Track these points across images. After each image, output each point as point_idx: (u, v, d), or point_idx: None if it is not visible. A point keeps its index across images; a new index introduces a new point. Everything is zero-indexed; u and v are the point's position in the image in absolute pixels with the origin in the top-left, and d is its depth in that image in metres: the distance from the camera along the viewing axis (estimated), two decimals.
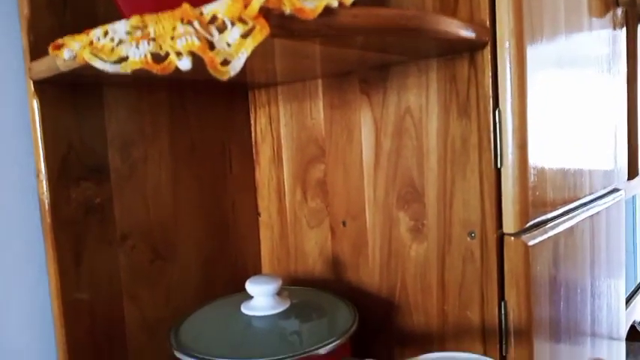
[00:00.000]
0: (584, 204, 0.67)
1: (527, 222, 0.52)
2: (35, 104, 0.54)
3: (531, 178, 0.52)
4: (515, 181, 0.50)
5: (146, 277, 0.64)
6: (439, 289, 0.56)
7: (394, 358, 0.61)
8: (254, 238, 0.77)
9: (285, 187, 0.71)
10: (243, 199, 0.75)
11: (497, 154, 0.51)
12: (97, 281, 0.60)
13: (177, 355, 0.49)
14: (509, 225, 0.51)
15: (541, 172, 0.54)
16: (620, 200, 0.79)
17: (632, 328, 1.20)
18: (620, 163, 0.78)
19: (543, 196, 0.54)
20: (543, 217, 0.55)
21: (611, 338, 0.78)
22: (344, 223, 0.65)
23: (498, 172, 0.51)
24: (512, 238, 0.51)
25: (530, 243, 0.52)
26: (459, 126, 0.53)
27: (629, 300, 1.02)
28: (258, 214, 0.76)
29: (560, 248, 0.58)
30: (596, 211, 0.69)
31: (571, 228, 0.61)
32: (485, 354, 0.53)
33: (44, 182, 0.55)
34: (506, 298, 0.52)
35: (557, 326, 0.57)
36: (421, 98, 0.55)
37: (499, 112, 0.50)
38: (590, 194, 0.67)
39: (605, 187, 0.72)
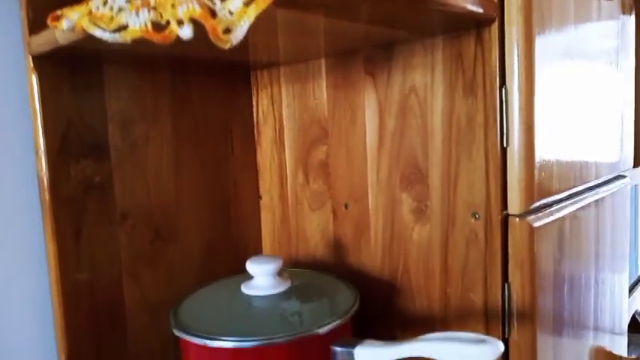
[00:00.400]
0: (590, 188, 0.66)
1: (533, 203, 0.51)
2: (34, 79, 0.54)
3: (537, 159, 0.51)
4: (521, 160, 0.50)
5: (147, 258, 0.63)
6: (442, 271, 0.56)
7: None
8: (255, 221, 0.76)
9: (287, 169, 0.70)
10: (245, 182, 0.75)
11: (503, 133, 0.50)
12: (97, 260, 0.59)
13: (177, 333, 0.49)
14: (514, 206, 0.50)
15: (547, 154, 0.53)
16: (626, 187, 0.78)
17: (634, 318, 1.20)
18: (626, 150, 0.77)
19: (549, 178, 0.54)
20: (548, 200, 0.54)
21: (613, 326, 0.78)
22: (346, 206, 0.64)
23: (504, 151, 0.50)
24: (517, 219, 0.51)
25: (536, 225, 0.51)
26: (464, 105, 0.52)
27: (631, 290, 1.02)
28: (260, 197, 0.75)
29: (565, 232, 0.58)
30: (602, 196, 0.68)
31: (576, 212, 0.60)
32: (487, 332, 0.52)
33: (43, 159, 0.55)
34: (510, 279, 0.51)
35: (560, 310, 0.57)
36: (426, 77, 0.54)
37: (506, 89, 0.49)
38: (595, 179, 0.66)
39: (610, 174, 0.71)
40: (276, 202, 0.73)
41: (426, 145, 0.55)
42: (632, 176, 0.83)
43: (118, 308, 0.61)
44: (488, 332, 0.52)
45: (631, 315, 1.01)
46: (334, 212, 0.66)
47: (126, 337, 0.62)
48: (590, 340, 0.68)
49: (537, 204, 0.52)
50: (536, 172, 0.51)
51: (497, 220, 0.51)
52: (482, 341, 0.42)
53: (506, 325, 0.51)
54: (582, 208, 0.62)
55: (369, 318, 0.62)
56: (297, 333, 0.46)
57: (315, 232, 0.69)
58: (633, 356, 0.79)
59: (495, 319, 0.52)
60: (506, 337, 0.52)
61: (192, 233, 0.68)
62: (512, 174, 0.50)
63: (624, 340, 0.83)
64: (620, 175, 0.78)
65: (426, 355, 0.44)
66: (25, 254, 0.61)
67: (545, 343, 0.54)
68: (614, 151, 0.72)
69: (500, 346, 0.42)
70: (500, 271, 0.51)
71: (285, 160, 0.70)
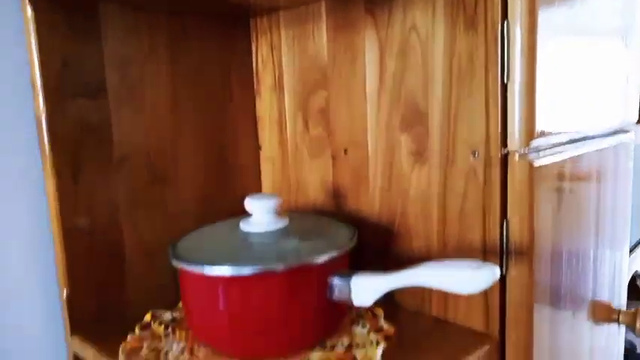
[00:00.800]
0: (592, 137, 0.65)
1: (533, 141, 0.51)
2: (30, 14, 0.53)
3: (538, 96, 0.50)
4: (522, 96, 0.49)
5: (145, 201, 0.63)
6: (440, 212, 0.56)
7: None
8: (254, 171, 0.76)
9: (287, 116, 0.70)
10: (244, 131, 0.74)
11: (504, 69, 0.49)
12: (95, 201, 0.59)
13: (174, 263, 0.49)
14: (514, 143, 0.50)
15: (549, 92, 0.52)
16: (629, 142, 0.77)
17: (633, 283, 1.20)
18: (630, 106, 0.76)
19: (550, 118, 0.53)
20: (549, 140, 0.54)
21: (612, 281, 0.78)
22: (345, 151, 0.64)
23: (505, 88, 0.50)
24: (517, 156, 0.50)
25: (536, 163, 0.51)
26: (465, 40, 0.51)
27: (632, 250, 1.02)
28: (259, 147, 0.75)
29: (565, 176, 0.57)
30: (604, 147, 0.67)
31: (577, 158, 0.60)
32: None
33: (40, 97, 0.54)
34: (508, 217, 0.51)
35: (559, 252, 0.57)
36: (427, 14, 0.54)
37: (507, 23, 0.48)
38: (598, 129, 0.65)
39: (614, 126, 0.71)
40: (275, 151, 0.73)
41: (426, 84, 0.55)
42: (637, 132, 0.83)
43: (117, 250, 0.62)
44: None
45: (631, 274, 1.01)
46: (334, 159, 0.65)
47: (124, 279, 0.63)
48: (589, 291, 0.68)
49: (538, 143, 0.52)
50: (536, 109, 0.50)
51: (496, 157, 0.51)
52: (478, 267, 0.42)
53: (504, 262, 0.51)
54: (583, 155, 0.61)
55: (366, 262, 0.63)
56: (295, 262, 0.46)
57: (314, 180, 0.68)
58: (632, 309, 0.79)
59: (493, 257, 0.52)
60: (504, 274, 0.52)
61: (190, 179, 0.68)
62: (513, 110, 0.49)
63: (624, 295, 0.83)
64: (623, 130, 0.77)
65: (422, 283, 0.45)
66: (25, 198, 0.61)
67: (542, 281, 0.54)
68: (618, 105, 0.71)
69: (497, 271, 0.42)
70: (498, 208, 0.51)
71: (285, 107, 0.70)
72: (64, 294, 0.57)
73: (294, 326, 0.48)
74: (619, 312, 0.79)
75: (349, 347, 0.51)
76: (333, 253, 0.48)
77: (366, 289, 0.47)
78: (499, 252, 0.51)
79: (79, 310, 0.58)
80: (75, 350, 0.58)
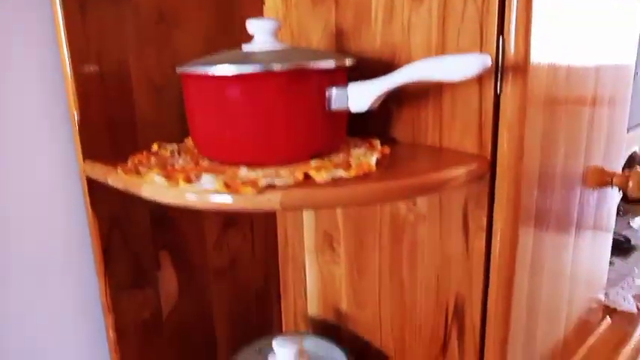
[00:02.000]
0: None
1: None
2: None
3: None
4: None
5: (152, 39, 0.65)
6: (439, 37, 0.56)
7: (392, 113, 0.63)
8: None
9: None
10: None
11: None
12: (104, 36, 0.60)
13: (180, 70, 0.51)
14: None
15: None
16: None
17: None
18: None
19: None
20: None
21: (608, 146, 0.79)
22: None
23: None
24: None
25: None
26: None
27: (629, 130, 1.02)
28: (263, 3, 0.75)
29: (567, 9, 0.57)
30: (611, 18, 0.66)
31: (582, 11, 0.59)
32: (480, 91, 0.54)
33: None
34: (504, 35, 0.52)
35: (554, 72, 0.57)
36: None
37: None
38: None
39: None
40: (278, 3, 0.73)
41: None
42: None
43: (126, 88, 0.64)
44: (481, 89, 0.54)
45: (627, 157, 1.02)
46: (336, 1, 0.66)
47: (134, 117, 0.65)
48: (582, 155, 0.70)
49: None
50: None
51: None
52: (470, 53, 0.43)
53: (499, 81, 0.53)
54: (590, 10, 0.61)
55: None
56: (295, 64, 0.48)
57: (316, 27, 0.69)
58: (627, 171, 0.81)
59: (488, 76, 0.53)
60: (499, 92, 0.53)
61: (195, 24, 0.69)
62: None
63: (620, 156, 0.85)
64: None
65: (417, 78, 0.46)
66: (33, 33, 0.62)
67: (536, 101, 0.55)
68: None
69: (487, 58, 0.43)
70: (496, 27, 0.52)
71: None
72: (76, 118, 0.60)
73: (294, 133, 0.51)
74: (612, 174, 0.82)
75: (346, 159, 0.53)
76: (331, 63, 0.50)
77: (362, 93, 0.49)
78: (494, 70, 0.53)
79: (89, 137, 0.61)
80: (87, 174, 0.61)
